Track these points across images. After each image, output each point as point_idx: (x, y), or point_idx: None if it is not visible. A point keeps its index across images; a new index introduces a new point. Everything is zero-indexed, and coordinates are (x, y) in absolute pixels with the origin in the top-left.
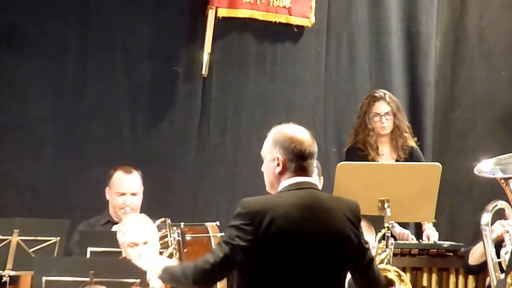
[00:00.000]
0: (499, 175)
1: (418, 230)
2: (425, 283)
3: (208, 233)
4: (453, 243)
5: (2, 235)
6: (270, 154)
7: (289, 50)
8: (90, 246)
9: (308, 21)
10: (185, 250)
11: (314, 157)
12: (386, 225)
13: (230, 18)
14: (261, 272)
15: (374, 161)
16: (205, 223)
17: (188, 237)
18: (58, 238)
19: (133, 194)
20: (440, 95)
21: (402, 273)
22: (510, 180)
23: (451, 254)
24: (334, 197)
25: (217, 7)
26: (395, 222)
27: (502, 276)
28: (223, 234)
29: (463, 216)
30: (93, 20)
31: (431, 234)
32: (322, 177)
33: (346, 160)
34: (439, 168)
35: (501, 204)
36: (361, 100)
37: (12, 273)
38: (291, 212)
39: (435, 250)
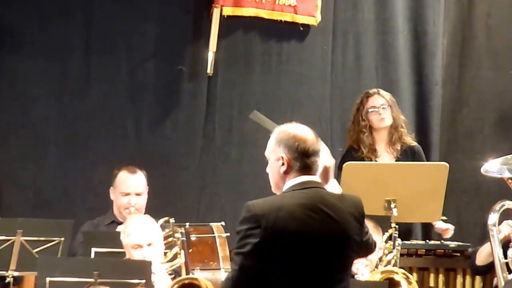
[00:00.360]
0: (506, 174)
1: (425, 230)
2: (432, 284)
3: (213, 233)
4: (460, 243)
5: (6, 236)
6: (274, 154)
7: (295, 49)
8: (94, 246)
9: (314, 20)
10: (190, 250)
11: (319, 155)
12: (393, 225)
13: (235, 16)
14: (267, 273)
15: (370, 161)
16: (210, 224)
17: (193, 237)
18: (62, 238)
19: (138, 194)
20: (447, 94)
21: (410, 275)
22: None
23: (458, 254)
24: (339, 196)
25: (222, 6)
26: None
27: (510, 276)
28: (228, 234)
29: (470, 216)
30: (96, 19)
31: (442, 225)
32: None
33: (342, 161)
34: (446, 168)
35: (509, 204)
36: None
37: (16, 273)
38: (296, 213)
39: (442, 250)
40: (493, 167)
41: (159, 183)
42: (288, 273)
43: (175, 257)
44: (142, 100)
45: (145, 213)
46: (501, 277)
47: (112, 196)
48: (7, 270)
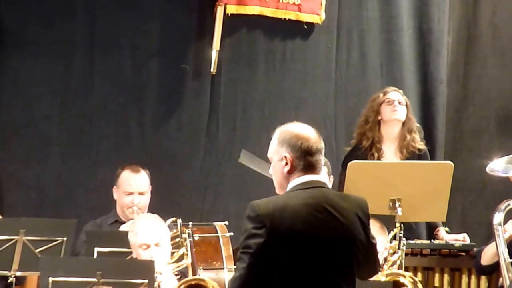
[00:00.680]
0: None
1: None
2: (437, 284)
3: (217, 233)
4: (465, 243)
5: (8, 235)
6: (277, 154)
7: (299, 47)
8: (97, 246)
9: (318, 18)
10: (194, 250)
11: (322, 153)
12: (397, 224)
13: (239, 15)
14: (273, 273)
15: (373, 158)
16: (214, 223)
17: (196, 237)
18: (65, 238)
19: (141, 194)
20: (452, 93)
21: (416, 279)
22: None
23: (463, 254)
24: (344, 196)
25: (226, 4)
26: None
27: None
28: (232, 234)
29: (475, 215)
30: (100, 18)
31: (446, 235)
32: (332, 176)
33: (345, 159)
34: (451, 167)
35: None
36: None
37: (18, 273)
38: (301, 212)
39: (447, 250)
40: (498, 166)
41: (163, 182)
42: (294, 272)
43: (181, 257)
44: (146, 99)
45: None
46: (506, 277)
47: (115, 196)
48: (9, 270)
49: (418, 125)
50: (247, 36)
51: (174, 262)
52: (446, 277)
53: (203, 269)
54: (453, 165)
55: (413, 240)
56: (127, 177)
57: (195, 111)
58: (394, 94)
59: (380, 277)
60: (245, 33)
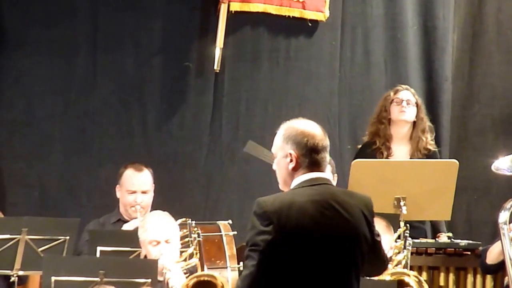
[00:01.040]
0: None
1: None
2: (442, 283)
3: (220, 231)
4: (470, 241)
5: (11, 234)
6: (282, 151)
7: (303, 44)
8: (100, 245)
9: (322, 15)
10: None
11: (327, 151)
12: (402, 223)
13: (242, 12)
14: (281, 270)
15: (382, 155)
16: (217, 222)
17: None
18: (68, 237)
19: (144, 192)
20: (457, 90)
21: (421, 278)
22: None
23: (468, 253)
24: (349, 193)
25: (229, 1)
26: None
27: None
28: (235, 232)
29: (480, 214)
30: (103, 16)
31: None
32: (336, 175)
33: (356, 157)
34: (456, 165)
35: None
36: (377, 95)
37: (21, 273)
38: (308, 209)
39: (452, 249)
40: (504, 164)
41: (166, 181)
42: (301, 269)
43: (190, 257)
44: (149, 97)
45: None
46: None
47: (118, 194)
48: (12, 269)
49: (430, 124)
50: (251, 33)
51: (182, 260)
52: (451, 276)
53: (207, 268)
54: (458, 163)
55: (419, 238)
56: (130, 176)
57: (199, 109)
58: (404, 93)
59: (384, 276)
60: (249, 31)
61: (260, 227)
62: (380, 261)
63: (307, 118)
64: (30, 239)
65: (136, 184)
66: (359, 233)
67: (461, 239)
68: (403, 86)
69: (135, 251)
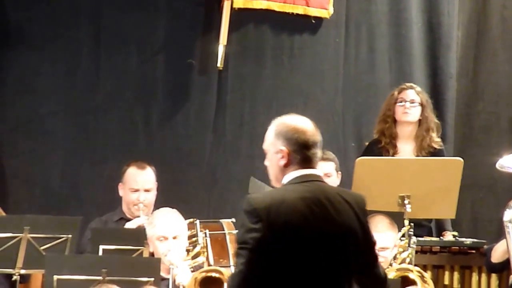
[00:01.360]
0: None
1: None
2: (446, 282)
3: (223, 230)
4: (475, 240)
5: (13, 232)
6: (274, 147)
7: (307, 42)
8: (103, 243)
9: (326, 13)
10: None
11: (318, 147)
12: (406, 222)
13: (246, 9)
14: (272, 267)
15: (388, 153)
16: (220, 220)
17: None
18: (70, 235)
19: (147, 191)
20: (462, 88)
21: (425, 274)
22: None
23: (473, 251)
24: (341, 190)
25: None
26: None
27: None
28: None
29: (485, 212)
30: (106, 13)
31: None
32: (340, 173)
33: (362, 154)
34: (461, 163)
35: None
36: (381, 93)
37: (23, 271)
38: (298, 206)
39: (457, 247)
40: (508, 162)
41: (169, 179)
42: (291, 267)
43: (196, 255)
44: (152, 94)
45: (154, 210)
46: None
47: (121, 193)
48: (14, 268)
49: (437, 121)
50: (254, 30)
51: (190, 259)
52: (456, 275)
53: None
54: (462, 161)
55: (423, 237)
56: (133, 174)
57: (202, 107)
58: (408, 93)
59: (389, 273)
60: (252, 28)
61: (250, 225)
62: (375, 268)
63: (311, 115)
64: (32, 237)
65: (139, 182)
66: (349, 230)
67: (466, 238)
68: (407, 84)
69: (138, 249)
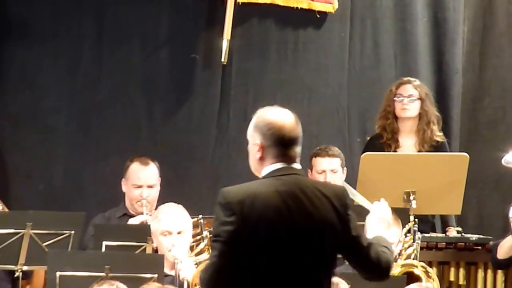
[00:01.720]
0: None
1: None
2: (452, 278)
3: None
4: (481, 236)
5: (15, 229)
6: (252, 139)
7: (312, 36)
8: (106, 240)
9: (331, 7)
10: None
11: (297, 142)
12: (411, 218)
13: (250, 3)
14: (244, 261)
15: (394, 151)
16: None
17: (205, 231)
18: (73, 231)
19: (150, 187)
20: (468, 83)
21: (430, 269)
22: None
23: (479, 247)
24: (320, 183)
25: None
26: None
27: None
28: None
29: (491, 208)
30: (108, 7)
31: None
32: (345, 168)
33: (364, 150)
34: (466, 159)
35: None
36: (386, 88)
37: (25, 268)
38: (272, 200)
39: (463, 243)
40: None
41: (172, 175)
42: (265, 260)
43: (200, 252)
44: (155, 89)
45: (157, 205)
46: None
47: (124, 188)
48: (16, 264)
49: (438, 114)
50: (258, 25)
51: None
52: (461, 271)
53: None
54: (468, 156)
55: (428, 233)
56: (136, 170)
57: (206, 102)
58: (405, 88)
59: (393, 268)
60: (256, 22)
61: (223, 218)
62: (366, 261)
63: (316, 110)
64: (35, 233)
65: (142, 179)
66: (326, 224)
67: (472, 234)
68: (405, 79)
69: (141, 245)
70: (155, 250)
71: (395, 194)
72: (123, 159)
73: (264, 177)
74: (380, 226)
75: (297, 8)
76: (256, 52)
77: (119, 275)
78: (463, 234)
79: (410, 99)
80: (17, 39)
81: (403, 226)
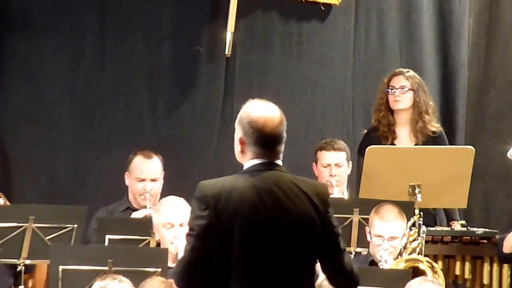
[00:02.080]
0: None
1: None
2: (457, 272)
3: None
4: (487, 230)
5: (17, 222)
6: (236, 131)
7: (316, 29)
8: (109, 233)
9: None
10: None
11: (278, 142)
12: (416, 211)
13: None
14: (217, 256)
15: (392, 143)
16: None
17: None
18: (75, 225)
19: (153, 180)
20: (473, 75)
21: (435, 264)
22: None
23: (485, 241)
24: (299, 180)
25: None
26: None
27: None
28: None
29: (497, 201)
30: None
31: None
32: (350, 162)
33: (362, 143)
34: (472, 152)
35: None
36: None
37: (28, 261)
38: (247, 196)
39: (468, 237)
40: None
41: (176, 168)
42: (240, 256)
43: None
44: (159, 82)
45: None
46: None
47: (127, 182)
48: (18, 258)
49: (431, 103)
50: (262, 17)
51: None
52: (467, 265)
53: None
54: (474, 150)
55: (434, 226)
56: (139, 163)
57: (209, 95)
58: (397, 80)
59: (398, 264)
60: (260, 15)
61: (198, 212)
62: (341, 265)
63: (321, 103)
64: (37, 227)
65: (146, 172)
66: (303, 220)
67: (478, 227)
68: (397, 70)
69: (145, 239)
70: (159, 244)
71: (400, 188)
72: (126, 153)
73: (243, 172)
74: None
75: (301, 0)
76: (260, 44)
77: (122, 269)
78: (468, 227)
79: (402, 91)
80: (20, 32)
81: (408, 220)
